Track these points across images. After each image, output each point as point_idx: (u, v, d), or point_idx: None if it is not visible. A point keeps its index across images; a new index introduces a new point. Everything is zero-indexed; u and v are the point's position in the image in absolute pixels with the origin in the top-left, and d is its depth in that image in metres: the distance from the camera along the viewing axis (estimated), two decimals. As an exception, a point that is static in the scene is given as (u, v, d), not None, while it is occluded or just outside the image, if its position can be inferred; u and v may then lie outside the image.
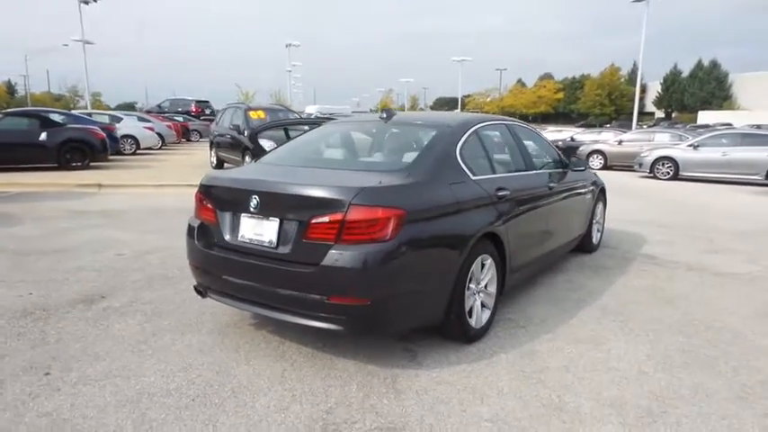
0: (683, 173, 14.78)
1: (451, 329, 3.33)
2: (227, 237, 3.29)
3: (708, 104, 58.95)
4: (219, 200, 3.36)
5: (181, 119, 27.41)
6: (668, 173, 14.97)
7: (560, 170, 4.91)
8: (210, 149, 14.23)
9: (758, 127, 23.81)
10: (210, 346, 3.41)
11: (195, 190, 3.64)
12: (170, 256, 5.54)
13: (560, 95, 69.99)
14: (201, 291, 3.49)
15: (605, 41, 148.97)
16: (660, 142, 17.54)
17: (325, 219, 2.86)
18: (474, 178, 3.51)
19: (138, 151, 18.48)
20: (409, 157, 3.43)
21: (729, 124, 32.34)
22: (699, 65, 64.78)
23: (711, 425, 2.59)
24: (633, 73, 73.11)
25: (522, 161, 4.35)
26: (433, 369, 3.13)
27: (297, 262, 2.96)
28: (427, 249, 3.03)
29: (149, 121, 20.53)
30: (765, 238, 7.19)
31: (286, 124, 5.65)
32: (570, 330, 3.73)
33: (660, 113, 67.50)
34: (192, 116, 30.83)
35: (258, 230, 3.14)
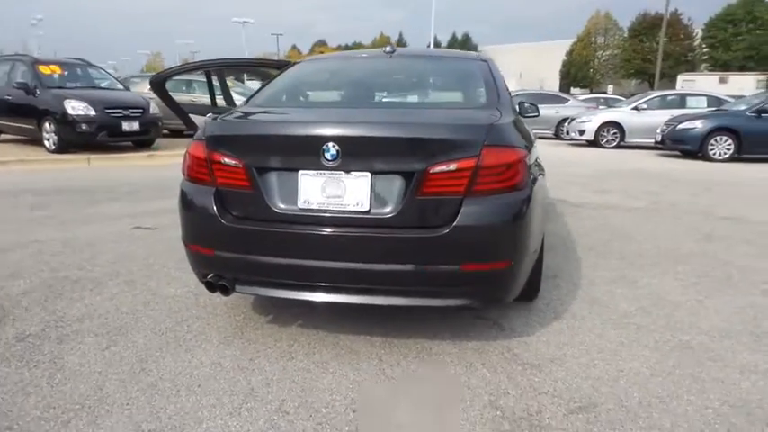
0: (490, 130, 16.38)
1: (528, 288, 2.96)
2: (278, 204, 2.37)
3: (464, 73, 66.78)
4: (258, 154, 2.39)
5: None
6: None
7: None
8: (-24, 118, 10.79)
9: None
10: (251, 359, 2.48)
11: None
12: (46, 253, 3.99)
13: (338, 63, 71.76)
14: (226, 284, 2.49)
15: (374, 12, 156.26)
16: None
17: (452, 166, 2.22)
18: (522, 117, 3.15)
19: None
20: (477, 92, 2.89)
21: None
22: (453, 37, 72.74)
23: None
24: (399, 43, 78.89)
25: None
26: (534, 335, 2.77)
27: (410, 227, 2.26)
28: (538, 197, 2.60)
29: None
30: (613, 178, 8.35)
31: (204, 67, 4.37)
32: (597, 273, 3.70)
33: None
34: None
35: (334, 191, 2.31)
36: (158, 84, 4.11)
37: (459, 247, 2.24)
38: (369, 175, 2.29)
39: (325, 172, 2.32)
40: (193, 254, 2.58)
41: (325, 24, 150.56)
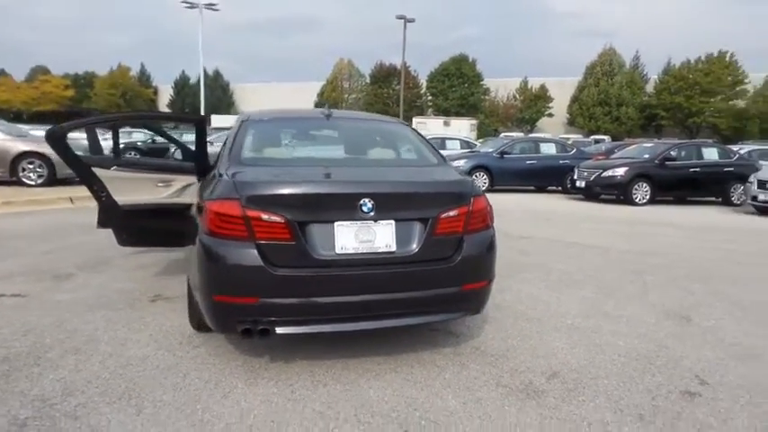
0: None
1: None
2: (319, 252, 2.76)
3: (218, 109, 65.90)
4: (299, 210, 2.74)
5: None
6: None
7: None
8: None
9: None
10: (292, 391, 2.77)
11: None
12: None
13: (70, 93, 63.56)
14: (267, 328, 2.74)
15: (101, 37, 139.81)
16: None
17: (454, 212, 2.96)
18: None
19: None
20: (427, 151, 3.64)
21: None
22: (205, 73, 71.24)
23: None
24: (143, 74, 74.06)
25: None
26: (482, 336, 3.62)
27: (428, 260, 2.92)
28: None
29: None
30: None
31: (113, 120, 4.05)
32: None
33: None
34: None
35: (365, 237, 2.83)
36: (57, 138, 3.81)
37: (463, 272, 2.99)
38: (393, 222, 2.88)
39: (358, 222, 2.82)
40: (227, 305, 2.75)
41: (43, 46, 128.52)
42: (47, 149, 10.62)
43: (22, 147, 10.49)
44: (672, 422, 2.57)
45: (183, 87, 71.19)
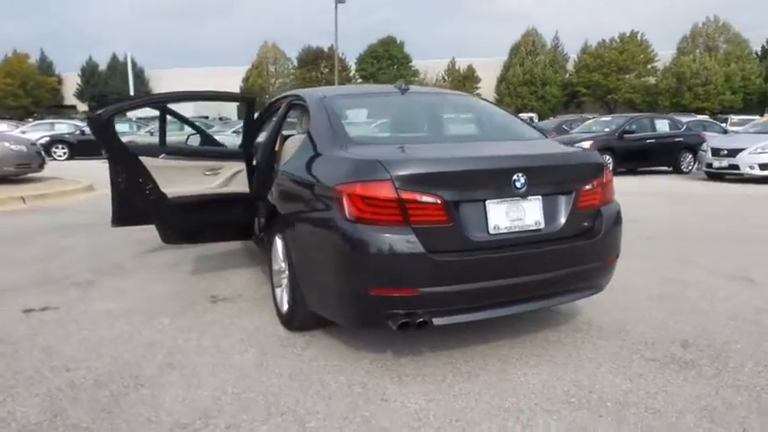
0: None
1: None
2: (474, 233, 2.54)
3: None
4: (454, 189, 2.49)
5: None
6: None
7: None
8: None
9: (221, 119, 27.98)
10: (449, 386, 2.56)
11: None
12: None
13: (-41, 83, 57.22)
14: (425, 320, 2.49)
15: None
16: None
17: (592, 184, 2.84)
18: None
19: None
20: (521, 125, 3.47)
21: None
22: (114, 59, 66.53)
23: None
24: (43, 62, 68.05)
25: None
26: (586, 311, 3.55)
27: (573, 236, 2.78)
28: None
29: None
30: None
31: (159, 101, 3.47)
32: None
33: (84, 107, 65.84)
34: None
35: (516, 214, 2.64)
36: (102, 125, 3.28)
37: (603, 246, 2.88)
38: (540, 197, 2.70)
39: (507, 199, 2.62)
40: (381, 298, 2.47)
41: None
42: (-16, 144, 9.47)
43: (-46, 141, 9.23)
44: (835, 379, 2.61)
45: (93, 75, 66.20)
